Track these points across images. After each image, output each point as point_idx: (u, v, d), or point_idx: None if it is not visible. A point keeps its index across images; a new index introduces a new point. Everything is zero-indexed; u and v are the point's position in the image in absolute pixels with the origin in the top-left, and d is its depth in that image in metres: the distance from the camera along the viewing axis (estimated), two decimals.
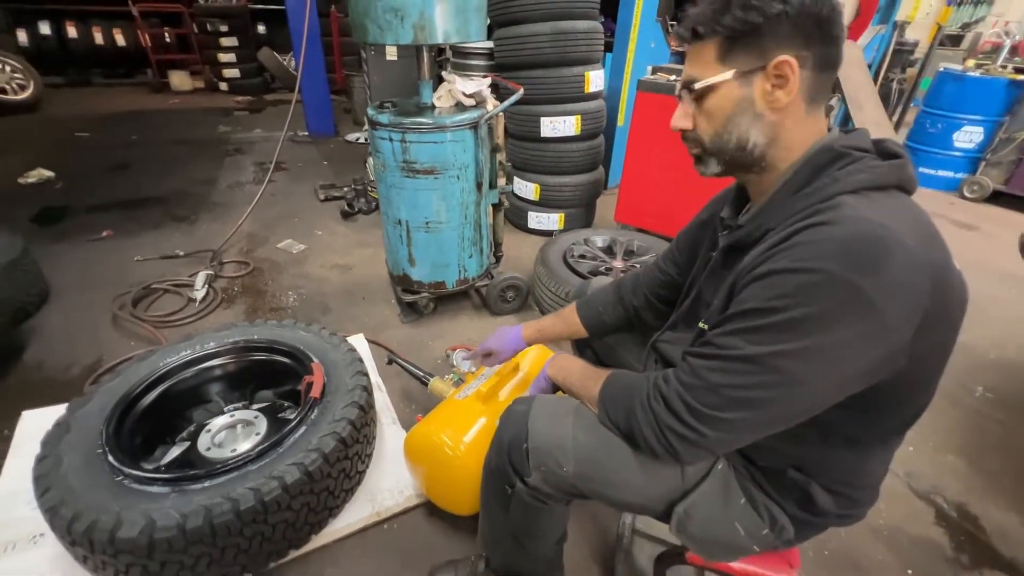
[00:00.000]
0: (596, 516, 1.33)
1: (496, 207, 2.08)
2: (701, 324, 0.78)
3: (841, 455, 0.73)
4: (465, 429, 1.22)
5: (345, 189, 3.43)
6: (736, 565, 0.86)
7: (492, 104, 1.86)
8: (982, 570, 1.26)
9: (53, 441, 1.17)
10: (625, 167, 2.65)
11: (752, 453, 0.79)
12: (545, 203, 2.84)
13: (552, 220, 2.86)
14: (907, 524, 1.37)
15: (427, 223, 1.88)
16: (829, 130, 0.72)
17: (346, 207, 3.11)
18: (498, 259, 2.25)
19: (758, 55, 0.66)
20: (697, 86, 0.70)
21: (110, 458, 1.11)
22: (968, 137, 3.97)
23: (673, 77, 2.43)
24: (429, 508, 1.34)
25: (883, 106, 3.68)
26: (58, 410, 1.53)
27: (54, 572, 1.14)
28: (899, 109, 5.08)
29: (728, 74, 0.68)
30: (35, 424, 1.51)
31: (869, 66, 4.08)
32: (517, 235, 2.92)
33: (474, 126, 1.78)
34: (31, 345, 1.91)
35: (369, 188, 3.29)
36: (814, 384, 0.61)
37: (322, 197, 3.36)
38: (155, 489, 1.07)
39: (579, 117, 2.62)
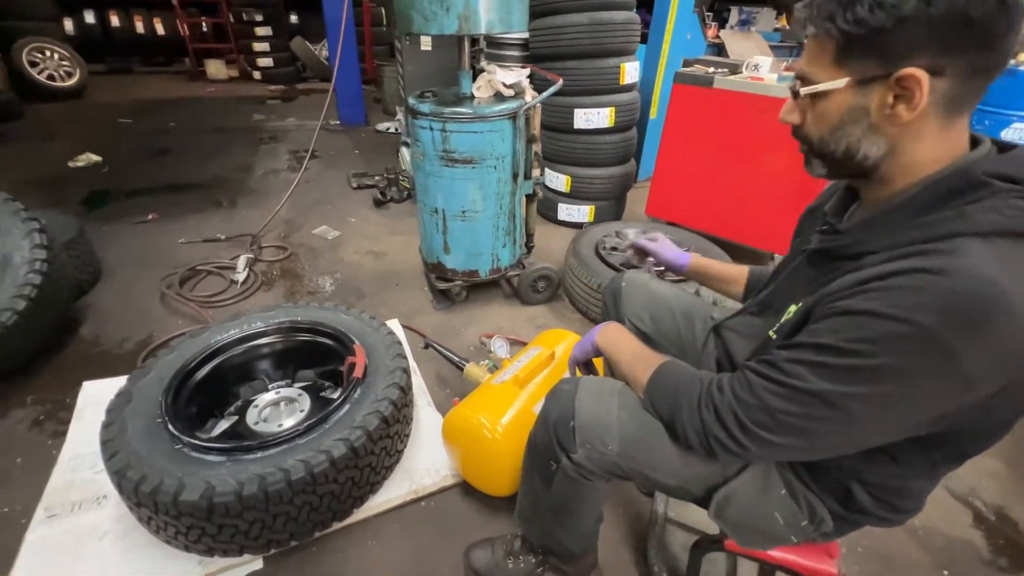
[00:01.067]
0: (630, 502, 1.36)
1: (530, 198, 2.10)
2: (771, 333, 0.74)
3: (887, 471, 0.71)
4: (502, 412, 1.25)
5: (377, 178, 3.49)
6: (775, 553, 0.88)
7: (531, 95, 1.87)
8: (1021, 575, 1.24)
9: (117, 409, 1.24)
10: (658, 160, 2.63)
11: None
12: (576, 195, 2.84)
13: (582, 212, 2.87)
14: (943, 525, 1.35)
15: (463, 212, 1.91)
16: (978, 144, 0.62)
17: (378, 195, 3.17)
18: (529, 250, 2.27)
19: (882, 62, 0.56)
20: (804, 91, 0.63)
21: (170, 427, 1.18)
22: (1018, 135, 3.81)
23: (711, 70, 2.40)
24: (464, 488, 1.38)
25: None
26: (116, 381, 1.63)
27: (117, 530, 1.22)
28: None
29: (841, 82, 0.59)
30: (95, 393, 1.60)
31: None
32: (546, 227, 2.94)
33: (513, 116, 1.80)
34: (87, 320, 2.01)
35: (400, 177, 3.33)
36: (874, 426, 0.59)
37: (354, 185, 3.42)
38: (212, 457, 1.13)
39: (613, 109, 2.61)
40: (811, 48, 0.62)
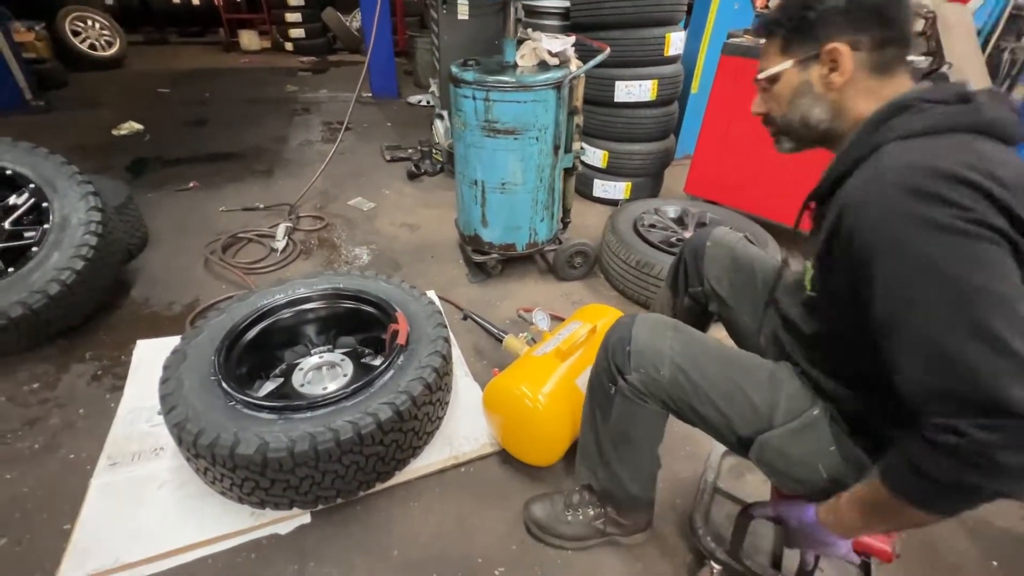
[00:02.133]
0: (676, 476, 1.36)
1: (568, 172, 2.07)
2: (808, 291, 0.83)
3: None
4: (544, 382, 1.26)
5: (410, 151, 3.48)
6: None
7: (576, 64, 1.83)
8: None
9: (174, 366, 1.30)
10: (701, 135, 2.56)
11: (856, 409, 0.80)
12: (613, 171, 2.80)
13: (618, 189, 2.82)
14: (994, 517, 1.32)
15: (503, 184, 1.89)
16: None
17: (412, 168, 3.17)
18: (565, 225, 2.26)
19: (812, 45, 0.76)
20: (761, 76, 0.82)
21: (223, 385, 1.23)
22: None
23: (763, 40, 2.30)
24: (503, 457, 1.40)
25: (990, 79, 3.34)
26: (168, 341, 1.70)
27: (174, 480, 1.28)
28: (1008, 82, 4.59)
29: (787, 63, 0.79)
30: (149, 352, 1.67)
31: (979, 32, 3.69)
32: (581, 203, 2.91)
33: (557, 86, 1.76)
34: (136, 283, 2.09)
35: (434, 151, 3.32)
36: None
37: (388, 158, 3.43)
38: (264, 415, 1.18)
39: (656, 82, 2.53)
40: (764, 50, 0.82)
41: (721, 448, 1.33)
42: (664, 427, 1.00)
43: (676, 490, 1.35)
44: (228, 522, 1.20)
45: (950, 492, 0.60)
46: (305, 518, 1.24)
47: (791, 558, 1.08)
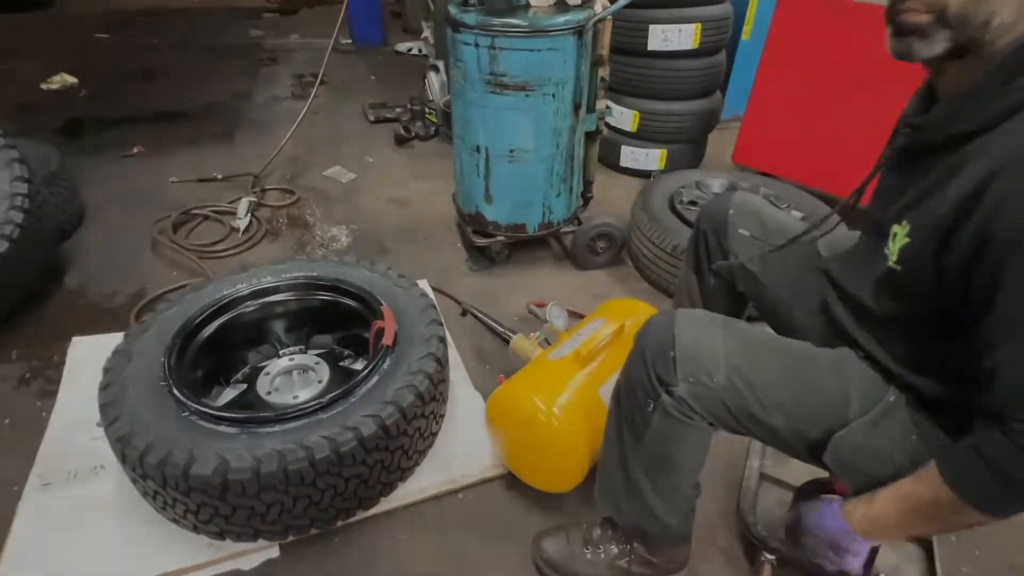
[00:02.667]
0: (719, 457, 1.36)
1: (591, 136, 2.05)
2: (892, 264, 0.81)
3: None
4: (560, 392, 1.25)
5: (399, 110, 3.47)
6: None
7: (601, 4, 1.80)
8: None
9: (116, 370, 1.30)
10: (754, 92, 2.52)
11: (938, 392, 0.82)
12: (645, 135, 2.77)
13: (651, 158, 2.80)
14: None
15: (511, 151, 1.88)
16: None
17: (401, 131, 3.16)
18: (587, 201, 2.24)
19: None
20: None
21: (175, 392, 1.23)
22: None
23: None
24: (510, 481, 1.40)
25: None
26: (110, 338, 1.70)
27: (118, 504, 1.29)
28: None
29: None
30: (87, 351, 1.69)
31: None
32: (606, 175, 2.88)
33: (579, 31, 1.74)
34: (72, 268, 2.10)
35: (427, 110, 3.30)
36: None
37: (372, 118, 3.42)
38: (224, 428, 1.18)
39: (699, 26, 2.49)
40: None
41: None
42: (709, 446, 0.99)
43: (716, 478, 1.36)
44: (181, 555, 1.21)
45: (1019, 491, 0.68)
46: (273, 551, 1.24)
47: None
